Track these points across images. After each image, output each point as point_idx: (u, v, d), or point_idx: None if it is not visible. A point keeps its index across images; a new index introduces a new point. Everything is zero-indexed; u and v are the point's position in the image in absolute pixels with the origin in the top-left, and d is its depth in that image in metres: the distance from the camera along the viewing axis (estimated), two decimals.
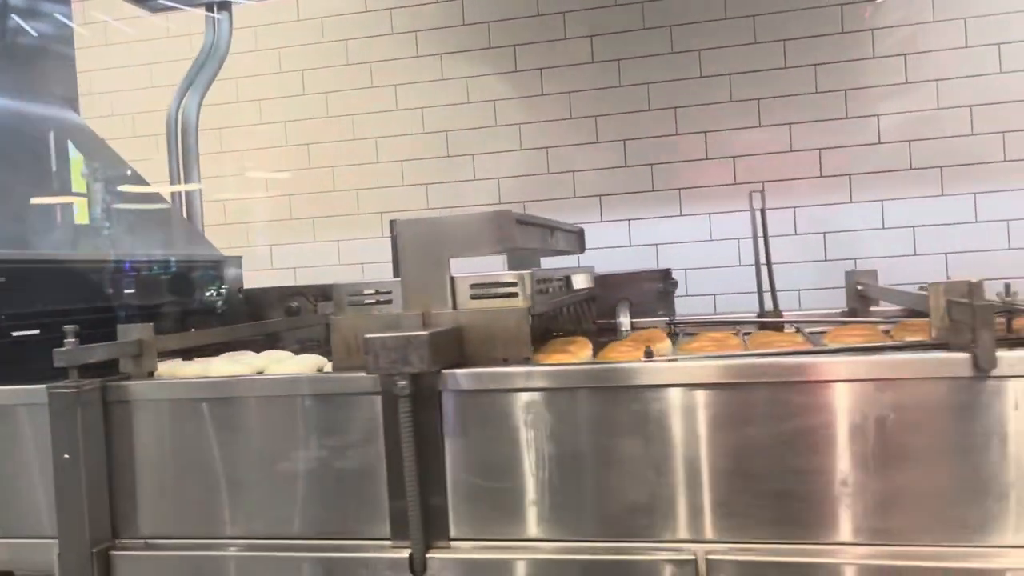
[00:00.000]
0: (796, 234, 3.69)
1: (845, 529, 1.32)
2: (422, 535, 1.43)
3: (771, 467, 1.34)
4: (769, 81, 3.66)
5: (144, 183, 2.60)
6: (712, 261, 3.74)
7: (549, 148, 3.90)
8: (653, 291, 2.55)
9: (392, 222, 1.98)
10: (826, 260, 3.67)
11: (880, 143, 3.59)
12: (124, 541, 1.57)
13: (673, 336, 2.24)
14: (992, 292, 1.47)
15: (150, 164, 2.87)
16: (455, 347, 1.52)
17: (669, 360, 1.45)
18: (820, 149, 3.66)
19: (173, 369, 1.76)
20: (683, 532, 1.37)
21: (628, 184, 3.84)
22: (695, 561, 1.34)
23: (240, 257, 2.66)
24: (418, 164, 3.97)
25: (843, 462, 1.32)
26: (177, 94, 2.82)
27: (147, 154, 3.13)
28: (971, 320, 1.26)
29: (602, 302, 2.46)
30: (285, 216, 4.13)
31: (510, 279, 1.57)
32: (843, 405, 1.32)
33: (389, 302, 1.63)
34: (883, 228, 3.61)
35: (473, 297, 1.58)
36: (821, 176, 3.68)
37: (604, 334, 2.28)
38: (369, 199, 4.04)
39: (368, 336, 1.42)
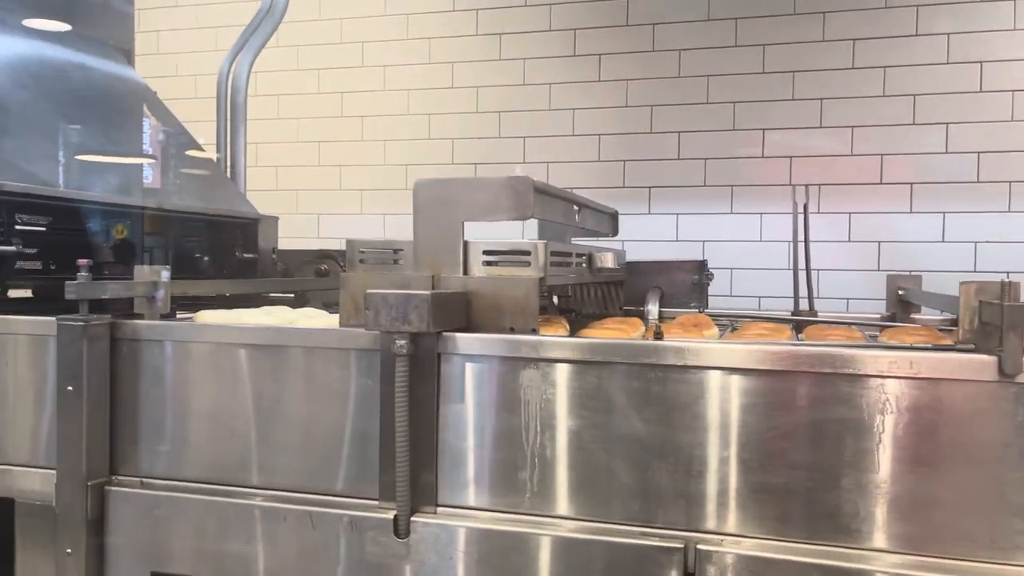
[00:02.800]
0: (850, 241, 3.57)
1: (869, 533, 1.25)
2: (408, 498, 1.41)
3: (782, 460, 1.27)
4: (834, 81, 3.53)
5: (193, 141, 2.63)
6: (760, 262, 3.64)
7: (602, 135, 3.84)
8: (688, 282, 2.48)
9: None
10: (879, 270, 3.53)
11: (947, 152, 3.44)
12: (121, 478, 1.58)
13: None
14: None
15: (205, 125, 2.93)
16: (461, 311, 1.49)
17: (680, 341, 1.40)
18: (882, 155, 3.52)
19: (203, 317, 1.77)
20: (676, 519, 1.32)
21: (679, 178, 3.76)
22: (685, 549, 1.29)
23: (277, 218, 2.67)
24: (469, 143, 3.95)
25: (856, 462, 1.24)
26: (229, 56, 2.85)
27: (205, 116, 3.18)
28: (1000, 322, 1.17)
29: (634, 289, 2.40)
30: (334, 186, 4.15)
31: (524, 248, 1.53)
32: (853, 403, 1.25)
33: (400, 262, 1.61)
34: (943, 241, 3.47)
35: (486, 263, 1.54)
36: (881, 183, 3.54)
37: None
38: (418, 175, 4.03)
39: (369, 291, 1.40)
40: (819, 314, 2.18)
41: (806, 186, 2.30)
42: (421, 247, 1.55)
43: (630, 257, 3.04)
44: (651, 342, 1.38)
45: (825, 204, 3.63)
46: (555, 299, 2.33)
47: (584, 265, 1.87)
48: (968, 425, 1.21)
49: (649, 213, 3.81)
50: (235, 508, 1.50)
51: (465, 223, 1.53)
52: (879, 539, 1.24)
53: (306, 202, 4.16)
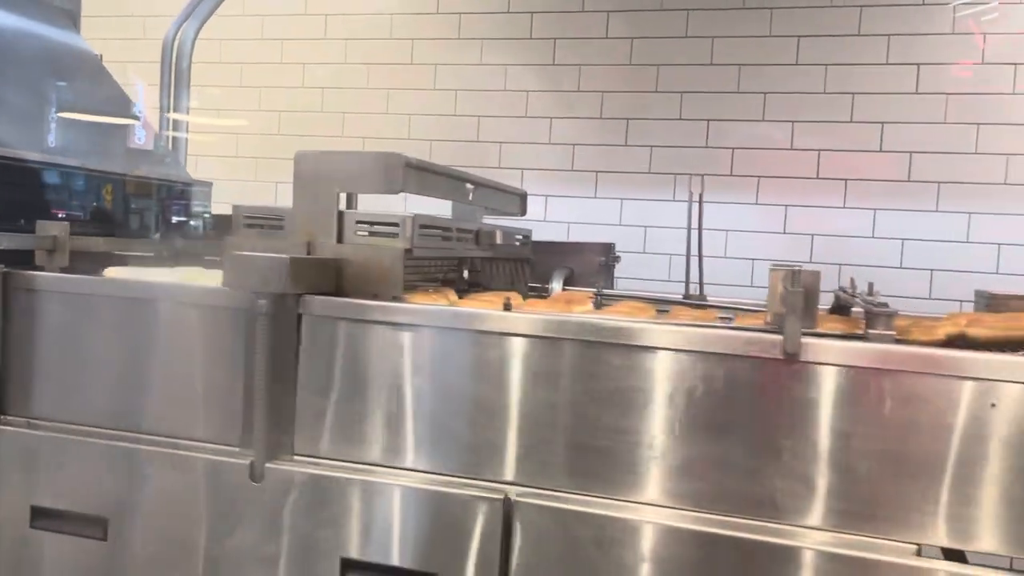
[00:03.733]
0: (785, 233, 3.68)
1: (648, 489, 1.37)
2: (265, 446, 1.52)
3: (583, 422, 1.39)
4: (778, 76, 3.62)
5: (130, 106, 2.73)
6: (709, 250, 3.74)
7: (553, 119, 3.93)
8: (595, 264, 2.59)
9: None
10: (811, 262, 3.63)
11: (881, 151, 3.54)
12: (9, 418, 1.70)
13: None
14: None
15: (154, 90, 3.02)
16: (329, 276, 1.59)
17: (487, 311, 1.51)
18: (819, 150, 3.62)
19: (109, 273, 1.87)
20: (499, 473, 1.43)
21: (625, 164, 3.85)
22: (503, 500, 1.41)
23: (211, 183, 2.77)
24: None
25: (652, 425, 1.36)
26: (176, 22, 2.93)
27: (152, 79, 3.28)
28: (785, 306, 1.28)
29: (547, 268, 2.51)
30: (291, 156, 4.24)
31: (392, 220, 1.64)
32: (657, 371, 1.36)
33: (281, 227, 1.71)
34: (872, 237, 3.57)
35: (358, 233, 1.65)
36: (818, 178, 3.64)
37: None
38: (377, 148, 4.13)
39: (234, 253, 1.51)
40: (708, 298, 2.28)
41: (702, 176, 2.40)
42: (299, 215, 1.66)
43: (575, 235, 3.12)
44: (465, 310, 1.50)
45: (764, 196, 3.74)
46: (465, 274, 2.44)
47: (471, 241, 1.97)
48: (755, 398, 1.32)
49: (595, 197, 3.92)
50: (109, 449, 1.62)
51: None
52: (670, 496, 1.35)
53: (265, 170, 4.25)
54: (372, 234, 1.64)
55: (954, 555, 1.33)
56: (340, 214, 1.65)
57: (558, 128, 3.94)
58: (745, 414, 1.33)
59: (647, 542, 1.35)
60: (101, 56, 2.82)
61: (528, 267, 2.46)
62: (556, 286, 2.43)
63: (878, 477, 1.27)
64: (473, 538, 1.42)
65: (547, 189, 3.91)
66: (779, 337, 1.30)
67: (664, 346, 1.35)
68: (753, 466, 1.32)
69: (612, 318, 1.53)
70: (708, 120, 3.76)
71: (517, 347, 1.42)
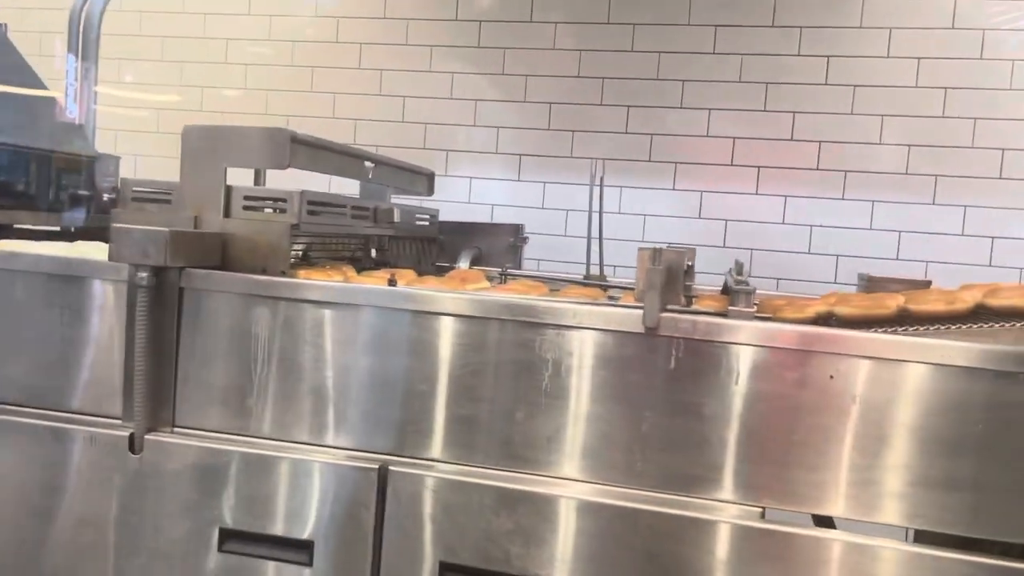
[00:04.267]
0: (700, 218, 3.77)
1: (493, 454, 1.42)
2: (144, 418, 1.53)
3: (458, 393, 1.44)
4: (695, 65, 3.70)
5: (36, 78, 2.67)
6: (618, 234, 3.81)
7: (479, 100, 3.96)
8: (505, 244, 2.64)
9: None
10: (724, 247, 3.74)
11: (792, 140, 3.65)
12: None
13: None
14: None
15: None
16: (214, 250, 1.60)
17: (388, 287, 1.55)
18: (734, 138, 3.71)
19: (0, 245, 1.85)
20: (376, 444, 1.47)
21: (550, 148, 3.90)
22: (379, 470, 1.44)
23: (118, 157, 2.73)
24: (351, 98, 4.03)
25: (522, 397, 1.41)
26: None
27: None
28: (646, 283, 1.34)
29: (456, 248, 2.55)
30: None
31: (280, 195, 1.65)
32: (537, 345, 1.41)
33: (169, 202, 1.71)
34: (783, 223, 3.68)
35: (245, 208, 1.66)
36: (732, 164, 3.74)
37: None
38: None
39: (115, 225, 1.51)
40: (607, 279, 2.35)
41: (603, 160, 2.45)
42: (187, 190, 1.66)
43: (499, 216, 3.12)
44: (342, 284, 1.54)
45: (680, 182, 3.83)
46: (373, 253, 2.46)
47: (370, 219, 1.99)
48: (620, 370, 1.38)
49: (519, 180, 3.96)
50: None
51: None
52: (541, 466, 1.41)
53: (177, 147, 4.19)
54: (260, 209, 1.66)
55: (824, 521, 1.42)
56: (228, 189, 1.65)
57: (483, 110, 3.96)
58: (610, 386, 1.39)
59: (525, 508, 1.41)
60: (6, 26, 2.76)
61: (436, 247, 2.50)
62: (463, 265, 2.47)
63: (729, 445, 1.34)
64: (349, 507, 1.45)
65: (471, 171, 3.94)
66: (640, 312, 1.36)
67: (542, 321, 1.40)
68: (615, 436, 1.38)
69: (487, 294, 1.58)
70: (628, 107, 3.82)
71: (393, 321, 1.45)
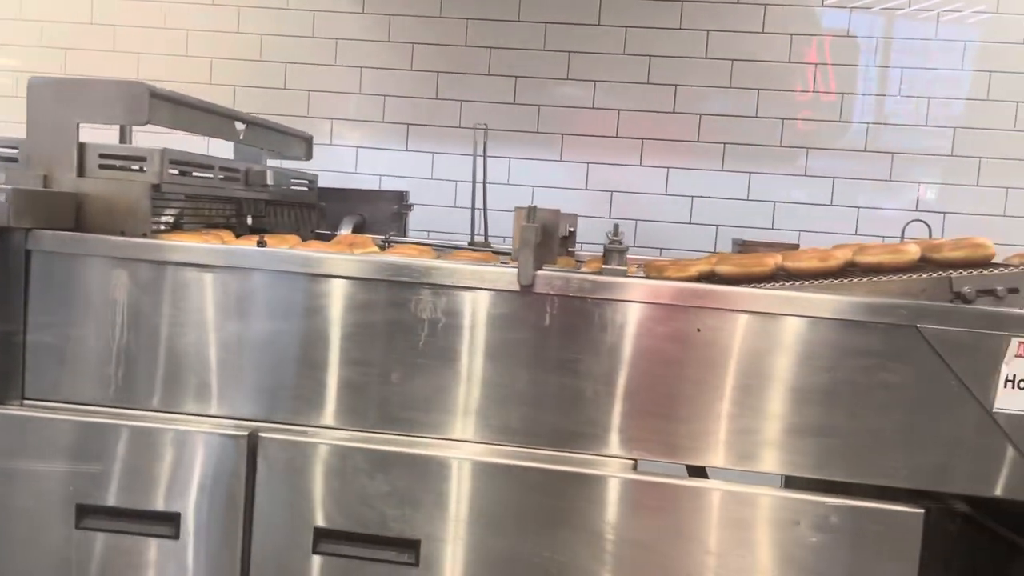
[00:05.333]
0: (587, 189, 3.81)
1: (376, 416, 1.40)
2: None
3: (328, 356, 1.40)
4: (580, 36, 3.72)
5: None
6: (507, 204, 3.81)
7: (364, 68, 3.86)
8: (389, 211, 2.59)
9: None
10: (610, 217, 3.79)
11: (674, 112, 3.73)
12: None
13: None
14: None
15: None
16: (66, 211, 1.50)
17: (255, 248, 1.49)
18: (619, 110, 3.76)
19: None
20: (240, 409, 1.42)
21: (438, 117, 3.85)
22: (248, 437, 1.39)
23: None
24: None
25: (394, 358, 1.39)
26: None
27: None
28: (520, 241, 1.34)
29: (339, 215, 2.49)
30: None
31: (139, 153, 1.56)
32: (404, 304, 1.38)
33: (15, 160, 1.59)
34: (665, 194, 3.77)
35: (101, 167, 1.56)
36: (617, 136, 3.79)
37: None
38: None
39: None
40: (492, 245, 2.34)
41: (485, 129, 2.44)
42: (34, 147, 1.55)
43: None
44: (201, 245, 1.48)
45: (567, 153, 3.86)
46: (249, 219, 2.37)
47: (241, 181, 1.91)
48: (501, 328, 1.37)
49: (407, 150, 3.90)
50: None
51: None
52: (416, 426, 1.39)
53: None
54: (118, 168, 1.56)
55: (697, 471, 1.46)
56: (81, 146, 1.55)
57: (369, 77, 3.87)
58: (490, 345, 1.38)
59: (399, 470, 1.38)
60: None
61: (317, 213, 2.43)
62: (345, 232, 2.41)
63: (604, 401, 1.36)
64: (216, 476, 1.40)
65: (358, 140, 3.86)
66: (512, 270, 1.36)
67: (418, 281, 1.38)
68: (495, 395, 1.38)
69: (359, 256, 1.54)
70: (516, 77, 3.81)
71: (256, 282, 1.40)
